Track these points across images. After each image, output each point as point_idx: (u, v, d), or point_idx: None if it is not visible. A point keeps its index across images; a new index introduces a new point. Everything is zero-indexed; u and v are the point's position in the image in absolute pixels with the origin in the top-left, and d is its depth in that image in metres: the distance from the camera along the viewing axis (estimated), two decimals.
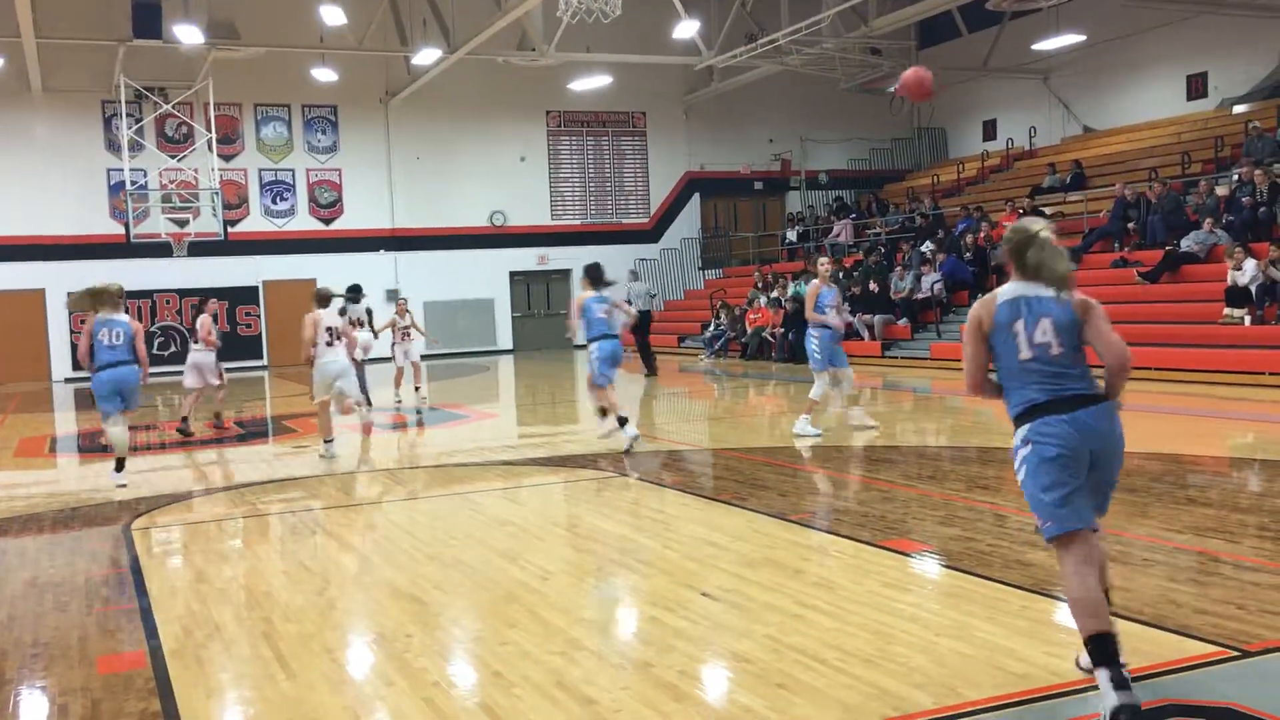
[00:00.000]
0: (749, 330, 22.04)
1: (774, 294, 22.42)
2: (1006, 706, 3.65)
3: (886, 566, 5.52)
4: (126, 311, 9.54)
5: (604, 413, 10.19)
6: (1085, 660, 3.69)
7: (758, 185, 30.68)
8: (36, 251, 23.88)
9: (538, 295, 28.97)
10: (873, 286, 20.45)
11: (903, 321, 19.35)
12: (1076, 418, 3.59)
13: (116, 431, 9.13)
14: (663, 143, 29.66)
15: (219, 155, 24.42)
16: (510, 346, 28.18)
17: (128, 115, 23.31)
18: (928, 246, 20.78)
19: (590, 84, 25.74)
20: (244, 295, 25.66)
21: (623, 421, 9.91)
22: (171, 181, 24.16)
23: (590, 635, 4.58)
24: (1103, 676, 3.39)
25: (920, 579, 5.41)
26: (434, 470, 9.60)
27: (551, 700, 3.84)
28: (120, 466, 9.19)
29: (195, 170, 24.34)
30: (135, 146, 23.73)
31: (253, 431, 13.77)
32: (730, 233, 30.04)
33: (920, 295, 19.36)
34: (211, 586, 5.72)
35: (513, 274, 28.07)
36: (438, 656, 4.40)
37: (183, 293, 24.86)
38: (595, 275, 10.24)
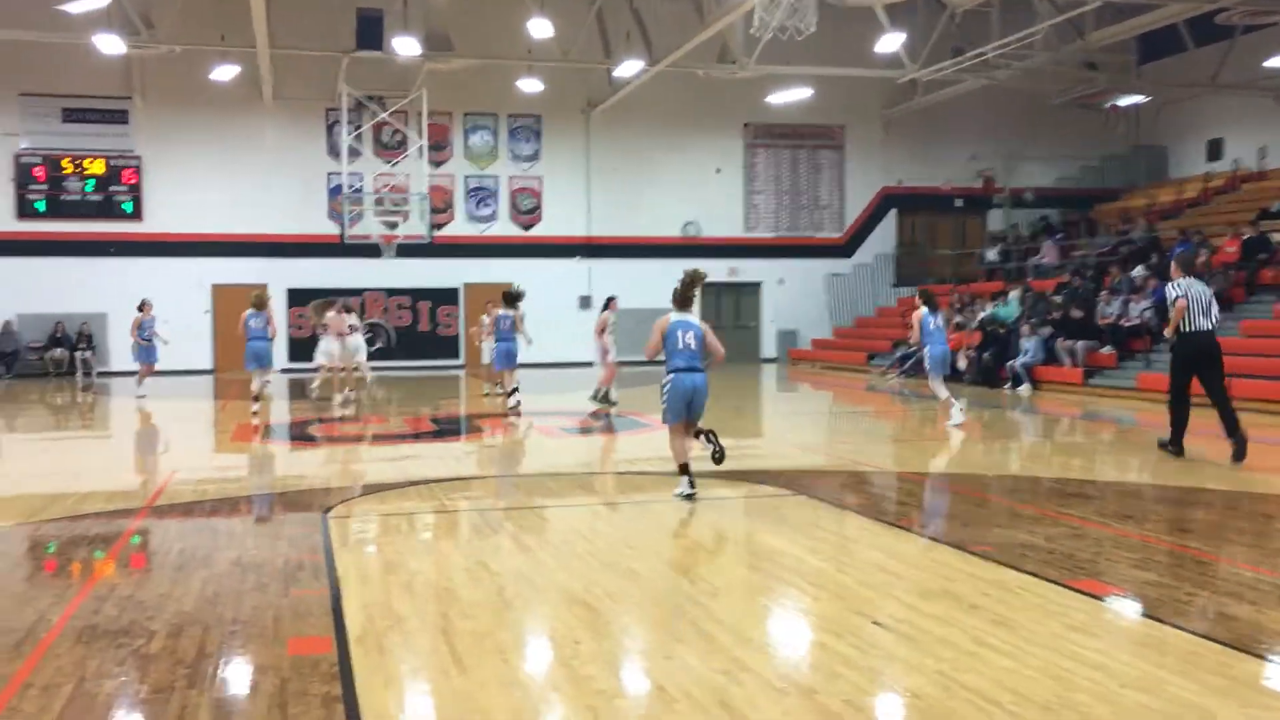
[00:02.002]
0: None
1: (965, 316, 21.75)
2: None
3: (1072, 608, 5.28)
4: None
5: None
6: None
7: (958, 202, 29.85)
8: (261, 248, 25.48)
9: (727, 307, 28.99)
10: (1075, 312, 19.58)
11: (1107, 349, 18.46)
12: None
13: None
14: (860, 156, 29.25)
15: (429, 161, 25.50)
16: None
17: (348, 123, 24.63)
18: (1139, 271, 19.76)
19: (789, 96, 25.60)
20: (445, 296, 26.69)
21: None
22: (385, 186, 25.39)
23: (756, 656, 4.55)
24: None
25: (1109, 625, 5.14)
26: (614, 477, 9.73)
27: (712, 719, 3.83)
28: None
29: (407, 175, 25.50)
30: (353, 152, 25.02)
31: (446, 428, 14.29)
32: (928, 250, 29.34)
33: (1128, 322, 18.43)
34: (397, 578, 5.96)
35: (708, 284, 28.19)
36: (604, 665, 4.46)
37: (389, 292, 26.07)
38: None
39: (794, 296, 28.81)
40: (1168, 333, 10.15)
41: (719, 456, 8.37)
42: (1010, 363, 19.34)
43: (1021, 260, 25.61)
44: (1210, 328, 9.82)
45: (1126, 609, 5.36)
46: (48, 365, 24.29)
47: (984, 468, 10.44)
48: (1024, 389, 18.67)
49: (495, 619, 5.18)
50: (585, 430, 14.01)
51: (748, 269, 28.54)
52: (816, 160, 29.21)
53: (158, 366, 19.33)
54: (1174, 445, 10.11)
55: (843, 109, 28.54)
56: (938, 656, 4.52)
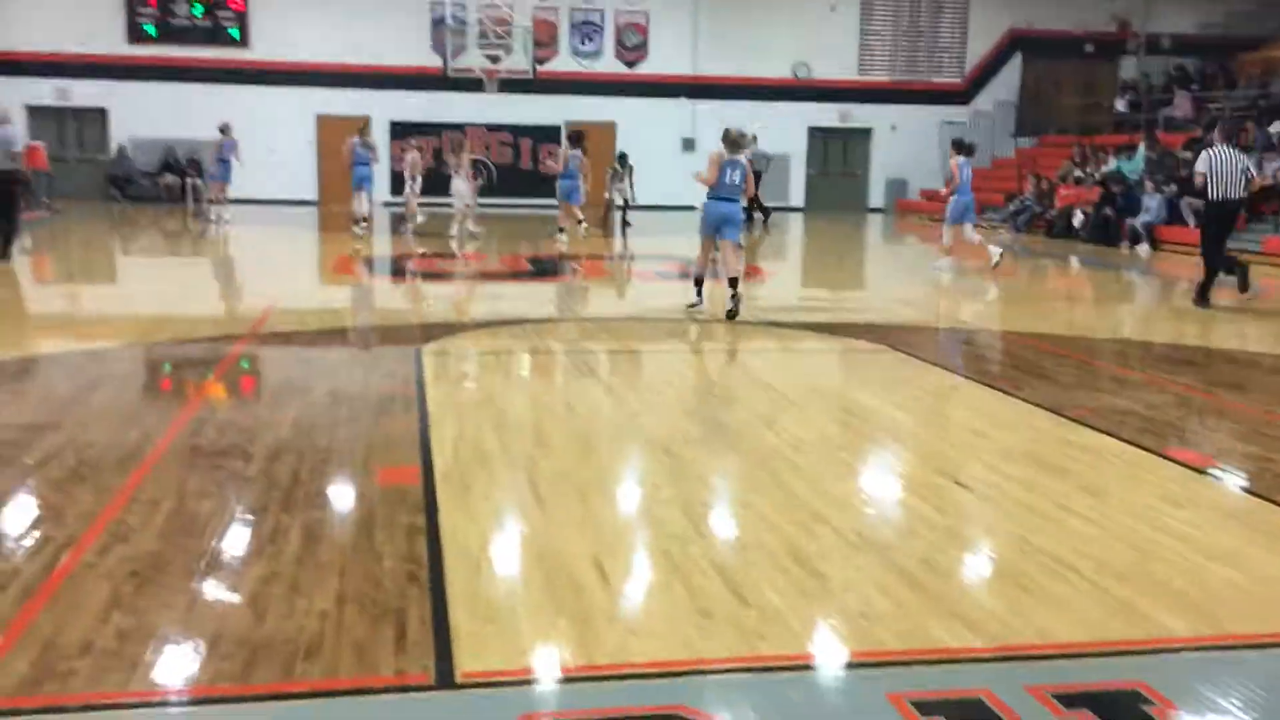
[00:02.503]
0: (1057, 207, 20.67)
1: (1087, 170, 20.84)
2: (1275, 646, 3.36)
3: (1165, 478, 5.14)
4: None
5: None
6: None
7: (1089, 48, 28.21)
8: (364, 79, 25.45)
9: (835, 153, 28.26)
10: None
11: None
12: None
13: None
14: None
15: None
16: (802, 204, 27.76)
17: None
18: (1277, 128, 18.59)
19: None
20: (547, 134, 26.45)
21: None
22: (489, 18, 24.94)
23: (832, 510, 4.54)
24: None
25: (1201, 497, 4.99)
26: (706, 324, 9.68)
27: (783, 570, 3.85)
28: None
29: (511, 7, 24.98)
30: None
31: (544, 268, 14.36)
32: (1052, 98, 27.95)
33: (1262, 182, 17.43)
34: (485, 414, 6.07)
35: (811, 130, 27.45)
36: (680, 511, 4.49)
37: (491, 127, 25.93)
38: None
39: (906, 144, 27.86)
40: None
41: (732, 313, 9.40)
42: (1131, 221, 18.55)
43: (1152, 112, 24.28)
44: (1236, 198, 10.81)
45: (1222, 481, 5.20)
46: (160, 190, 24.94)
47: (1092, 330, 10.13)
48: (1143, 249, 17.94)
49: (577, 459, 5.25)
50: (683, 275, 13.92)
51: (859, 114, 27.65)
52: None
53: (235, 193, 19.74)
54: (1201, 298, 11.00)
55: None
56: (1017, 520, 4.46)
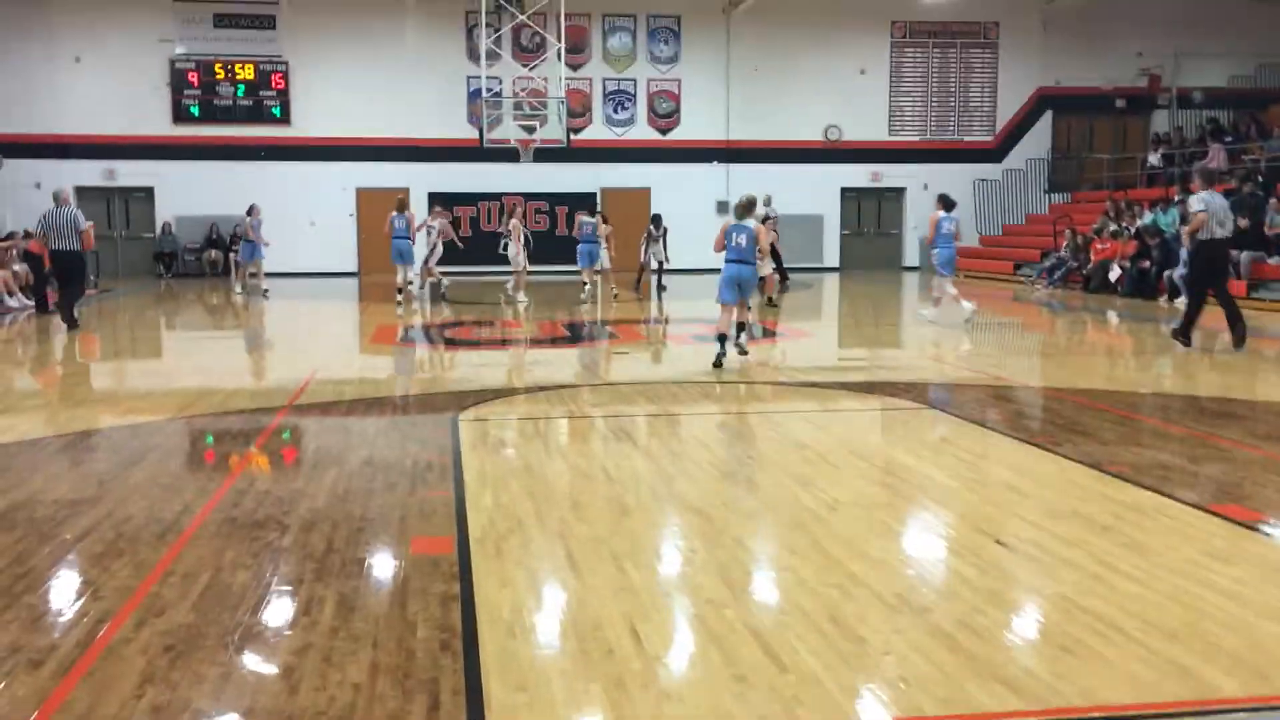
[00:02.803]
0: (1093, 261, 20.55)
1: (1123, 224, 20.72)
2: None
3: (1210, 534, 5.03)
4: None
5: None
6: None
7: (1119, 103, 28.28)
8: (402, 153, 25.92)
9: (868, 213, 28.35)
10: (1242, 221, 18.41)
11: (1275, 260, 17.37)
12: None
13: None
14: (1015, 56, 27.91)
15: (567, 64, 25.35)
16: (837, 264, 27.80)
17: (487, 25, 24.60)
18: None
19: None
20: (582, 201, 26.71)
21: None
22: (523, 90, 25.40)
23: (870, 572, 4.48)
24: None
25: (1248, 552, 4.88)
26: (741, 386, 9.67)
27: (821, 634, 3.80)
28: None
29: (545, 79, 25.44)
30: (492, 56, 25.03)
31: (580, 333, 14.42)
32: (1084, 154, 27.95)
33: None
34: (520, 482, 6.07)
35: (844, 190, 27.56)
36: (716, 575, 4.45)
37: (528, 196, 26.24)
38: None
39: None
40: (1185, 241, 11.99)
41: (742, 349, 10.63)
42: (1168, 273, 18.39)
43: (1186, 165, 24.16)
44: (1225, 237, 11.51)
45: (1269, 536, 5.08)
46: (203, 266, 25.42)
47: (1132, 384, 10.01)
48: (1181, 301, 17.73)
49: (613, 525, 5.22)
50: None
51: (891, 174, 27.77)
52: (968, 59, 28.03)
53: (279, 266, 20.37)
54: (1183, 335, 11.64)
55: (998, 5, 27.31)
56: (1060, 579, 4.38)
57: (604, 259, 19.14)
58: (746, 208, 10.49)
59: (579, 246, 19.26)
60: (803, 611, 4.02)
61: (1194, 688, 3.36)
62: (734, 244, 10.30)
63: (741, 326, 10.67)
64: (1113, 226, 20.87)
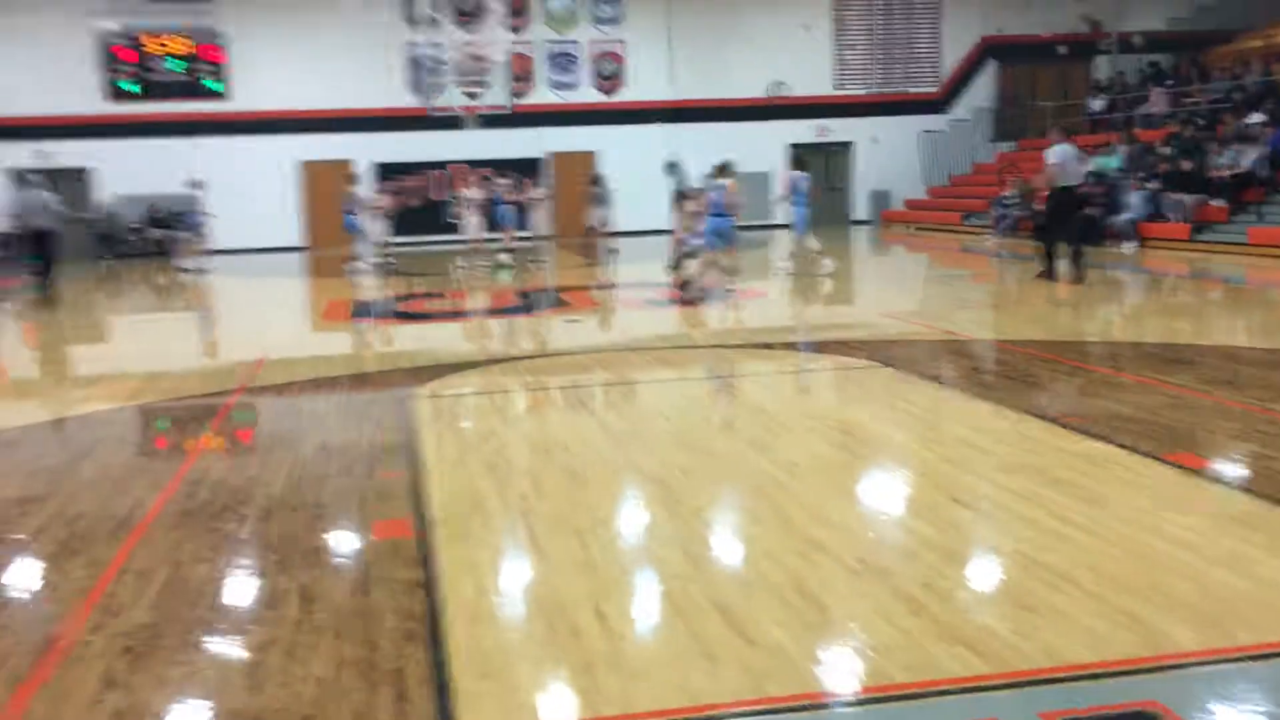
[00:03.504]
0: (1040, 208, 20.70)
1: None
2: None
3: (1164, 483, 5.11)
4: None
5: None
6: None
7: (1061, 50, 28.41)
8: (344, 124, 25.52)
9: (815, 168, 28.25)
10: (1185, 164, 18.65)
11: (1218, 202, 17.61)
12: None
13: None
14: (958, 6, 27.94)
15: (509, 28, 25.02)
16: (785, 221, 27.78)
17: None
18: (1255, 119, 18.68)
19: None
20: (528, 167, 26.51)
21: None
22: (465, 56, 25.04)
23: (831, 537, 4.50)
24: None
25: (1201, 500, 4.96)
26: (694, 350, 9.67)
27: (785, 603, 3.81)
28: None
29: (486, 44, 25.10)
30: (432, 21, 24.65)
31: (531, 302, 14.34)
32: (1028, 102, 28.10)
33: (1239, 172, 17.51)
34: (478, 458, 6.02)
35: (791, 146, 27.53)
36: (678, 548, 4.45)
37: (473, 163, 25.96)
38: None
39: (886, 156, 28.00)
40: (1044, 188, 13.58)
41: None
42: (1114, 218, 18.60)
43: (1129, 110, 24.40)
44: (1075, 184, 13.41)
45: (1222, 483, 5.17)
46: (145, 245, 24.93)
47: (1081, 334, 10.13)
48: (1128, 246, 17.98)
49: (573, 500, 5.21)
50: (670, 302, 13.92)
51: (838, 128, 27.78)
52: (911, 10, 28.00)
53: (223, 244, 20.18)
54: (1046, 272, 13.34)
55: None
56: (1018, 535, 4.43)
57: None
58: (722, 170, 12.75)
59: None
60: (767, 581, 4.03)
61: (1153, 641, 3.41)
62: (713, 200, 12.82)
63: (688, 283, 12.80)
64: None
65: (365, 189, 20.26)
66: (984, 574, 4.15)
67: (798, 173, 15.84)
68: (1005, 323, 11.05)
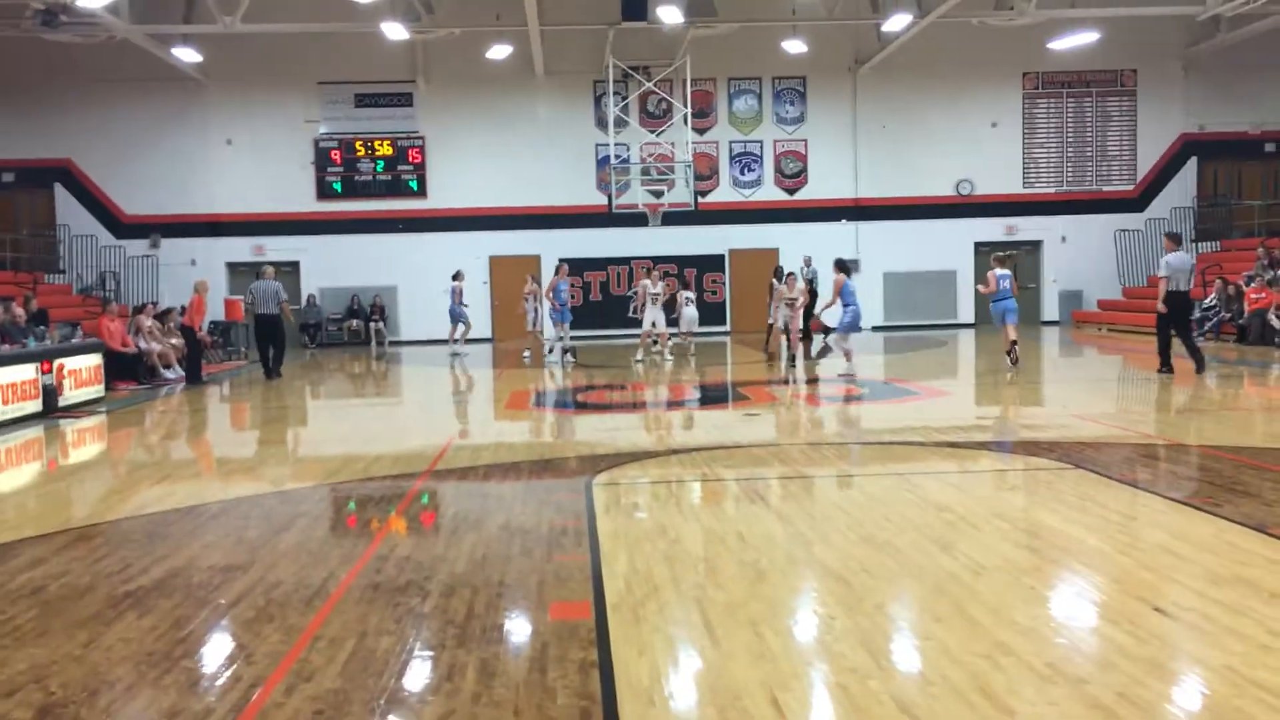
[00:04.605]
0: (1248, 311, 19.66)
1: (1277, 272, 19.80)
2: None
3: None
4: None
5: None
6: None
7: (1269, 147, 27.19)
8: (533, 220, 26.53)
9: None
10: None
11: None
12: None
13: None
14: (1155, 103, 27.14)
15: (693, 129, 25.67)
16: (971, 320, 27.21)
17: (615, 94, 25.15)
18: None
19: (1074, 42, 24.07)
20: (711, 263, 26.87)
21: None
22: (650, 155, 25.79)
23: (1020, 640, 4.31)
24: None
25: None
26: (876, 448, 9.51)
27: (969, 705, 3.66)
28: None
29: (672, 144, 25.80)
30: (620, 123, 25.53)
31: (711, 396, 14.41)
32: (1232, 201, 26.88)
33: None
34: (655, 546, 6.05)
35: (978, 244, 27.06)
36: (857, 643, 4.35)
37: (655, 259, 26.47)
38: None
39: (1078, 255, 27.19)
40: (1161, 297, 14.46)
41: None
42: None
43: None
44: (1186, 289, 14.63)
45: None
46: (345, 335, 26.33)
47: None
48: None
49: (749, 590, 5.16)
50: (850, 399, 13.77)
51: (1026, 226, 27.21)
52: (1105, 108, 27.37)
53: (418, 334, 21.37)
54: (1164, 367, 14.58)
55: (1135, 52, 26.61)
56: (1226, 649, 4.14)
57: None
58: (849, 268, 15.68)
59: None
60: (949, 682, 3.89)
61: None
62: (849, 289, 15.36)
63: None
64: (1268, 275, 19.96)
65: (547, 284, 20.98)
66: (1189, 688, 3.89)
67: (842, 275, 16.05)
68: (1207, 427, 10.45)
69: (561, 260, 21.71)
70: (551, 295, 19.64)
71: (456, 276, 22.51)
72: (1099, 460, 8.38)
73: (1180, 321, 14.69)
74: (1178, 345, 14.76)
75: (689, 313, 20.55)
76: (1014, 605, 4.82)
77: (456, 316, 22.45)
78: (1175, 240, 14.91)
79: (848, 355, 15.99)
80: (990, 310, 17.05)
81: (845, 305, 15.92)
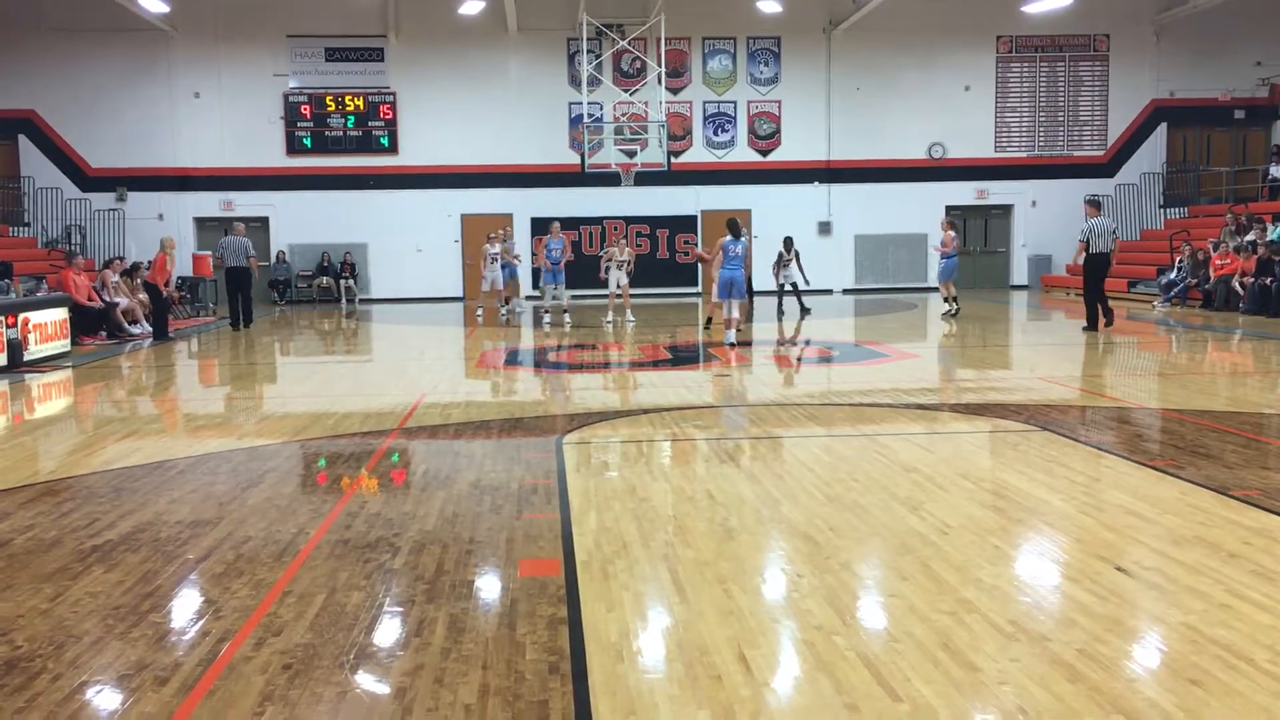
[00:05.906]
0: (1213, 277, 19.86)
1: (1248, 237, 19.99)
2: None
3: None
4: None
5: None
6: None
7: (1238, 114, 27.36)
8: (505, 179, 26.35)
9: (974, 231, 27.84)
10: None
11: None
12: None
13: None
14: (1127, 68, 27.21)
15: (667, 88, 25.52)
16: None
17: (588, 51, 24.93)
18: None
19: (1048, 6, 24.09)
20: (683, 224, 26.82)
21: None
22: (623, 115, 25.63)
23: (984, 598, 4.37)
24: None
25: None
26: (845, 409, 9.57)
27: (934, 661, 3.72)
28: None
29: (645, 103, 25.65)
30: (593, 81, 25.35)
31: (682, 357, 14.43)
32: (1201, 167, 27.07)
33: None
34: (625, 504, 6.08)
35: (949, 208, 27.13)
36: (823, 600, 4.40)
37: (628, 219, 26.42)
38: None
39: (1048, 219, 27.31)
40: (1078, 257, 16.18)
41: (732, 343, 14.45)
42: None
43: None
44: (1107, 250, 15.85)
45: None
46: (315, 292, 26.13)
47: (1256, 405, 9.62)
48: None
49: (718, 548, 5.20)
50: (821, 360, 13.83)
51: (997, 191, 27.29)
52: (1076, 73, 27.40)
53: (389, 293, 20.92)
54: (1091, 326, 15.89)
55: (1108, 17, 26.66)
56: (1185, 608, 4.22)
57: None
58: (736, 230, 14.56)
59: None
60: (914, 639, 3.94)
61: None
62: (731, 255, 14.39)
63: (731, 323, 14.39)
64: (1235, 241, 20.14)
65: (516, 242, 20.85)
66: (1149, 645, 3.96)
67: (728, 238, 14.96)
68: (1172, 391, 10.58)
69: (554, 220, 21.30)
70: (543, 254, 19.22)
71: (504, 237, 21.44)
72: (1065, 423, 8.48)
73: (1097, 279, 15.93)
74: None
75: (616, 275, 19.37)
76: (979, 564, 4.88)
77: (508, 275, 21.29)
78: (1096, 206, 16.33)
79: (727, 323, 14.87)
80: (942, 268, 19.34)
81: (722, 267, 14.93)
